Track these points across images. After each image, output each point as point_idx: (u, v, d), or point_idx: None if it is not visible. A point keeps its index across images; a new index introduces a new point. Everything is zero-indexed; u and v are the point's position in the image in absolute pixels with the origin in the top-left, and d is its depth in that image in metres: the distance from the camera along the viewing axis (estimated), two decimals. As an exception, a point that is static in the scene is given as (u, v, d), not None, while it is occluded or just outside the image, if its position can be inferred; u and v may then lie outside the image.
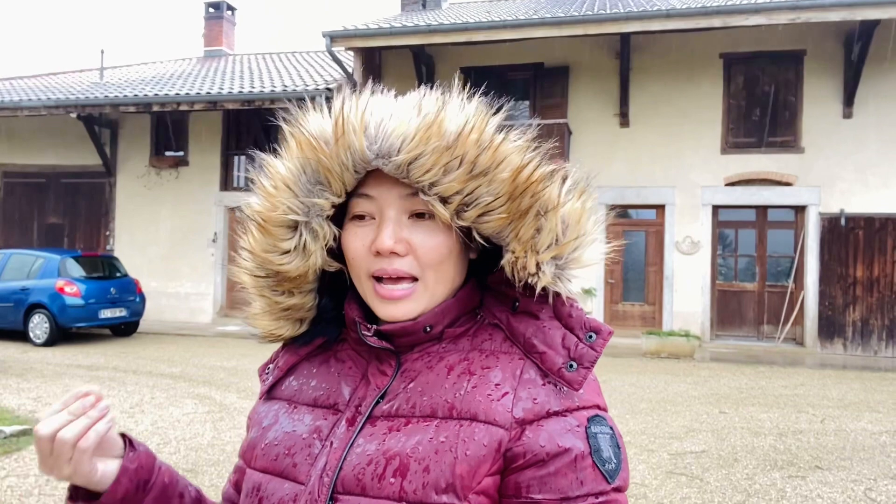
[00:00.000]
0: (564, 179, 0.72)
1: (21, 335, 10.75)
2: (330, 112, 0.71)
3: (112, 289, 11.18)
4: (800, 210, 11.79)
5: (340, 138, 0.69)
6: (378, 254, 0.70)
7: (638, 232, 12.58)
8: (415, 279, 0.72)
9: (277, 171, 0.74)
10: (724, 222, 12.25)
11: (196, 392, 7.13)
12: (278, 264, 0.75)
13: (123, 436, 0.77)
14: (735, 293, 12.19)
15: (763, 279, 12.10)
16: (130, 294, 11.56)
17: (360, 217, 0.73)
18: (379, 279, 0.72)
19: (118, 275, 11.70)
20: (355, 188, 0.72)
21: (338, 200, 0.73)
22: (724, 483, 4.48)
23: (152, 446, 5.07)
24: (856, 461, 5.03)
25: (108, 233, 15.10)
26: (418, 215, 0.71)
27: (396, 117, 0.69)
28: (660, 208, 12.32)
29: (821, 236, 11.55)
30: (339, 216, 0.75)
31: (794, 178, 11.67)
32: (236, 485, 0.85)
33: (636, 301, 12.51)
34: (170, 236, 14.55)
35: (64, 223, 15.46)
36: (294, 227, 0.73)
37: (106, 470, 0.72)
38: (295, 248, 0.74)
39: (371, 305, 0.74)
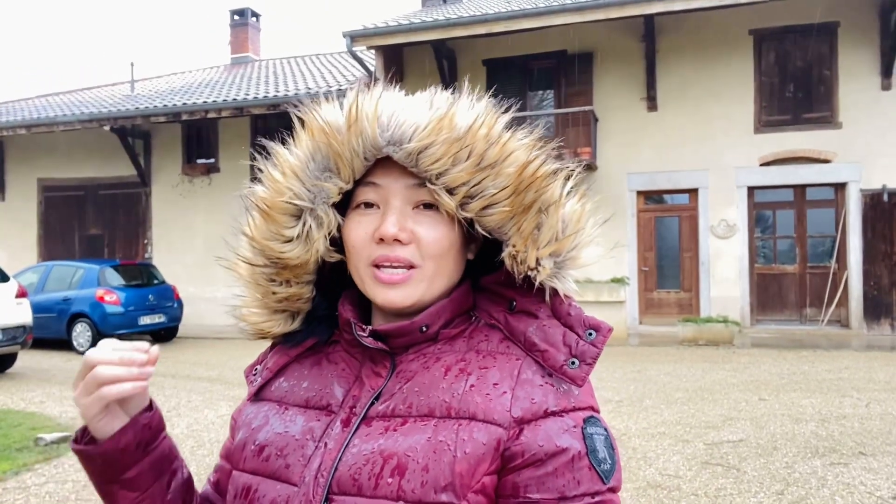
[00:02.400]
0: (567, 179, 0.73)
1: (65, 344, 11.08)
2: (342, 105, 0.73)
3: (150, 296, 11.44)
4: (840, 188, 11.39)
5: (353, 125, 0.70)
6: (381, 241, 0.71)
7: (671, 217, 12.33)
8: (413, 267, 0.72)
9: (286, 158, 0.75)
10: (760, 203, 11.91)
11: (231, 394, 7.23)
12: (280, 252, 0.74)
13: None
14: (775, 276, 11.85)
15: (804, 260, 11.74)
16: (168, 300, 11.81)
17: (365, 206, 0.73)
18: (378, 267, 0.72)
19: (156, 282, 11.96)
20: (362, 177, 0.73)
21: (346, 187, 0.73)
22: (761, 472, 4.34)
23: (186, 449, 5.16)
24: (903, 446, 4.83)
25: (146, 241, 15.46)
26: (423, 206, 0.72)
27: (409, 109, 0.71)
28: (692, 192, 12.05)
29: (863, 214, 11.14)
30: (343, 208, 0.75)
31: (833, 155, 11.28)
32: (216, 485, 0.84)
33: (672, 288, 12.26)
34: (205, 242, 14.79)
35: (103, 234, 15.87)
36: (298, 215, 0.74)
37: (114, 422, 0.72)
38: (298, 235, 0.74)
39: (369, 293, 0.73)
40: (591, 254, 0.74)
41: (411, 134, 0.69)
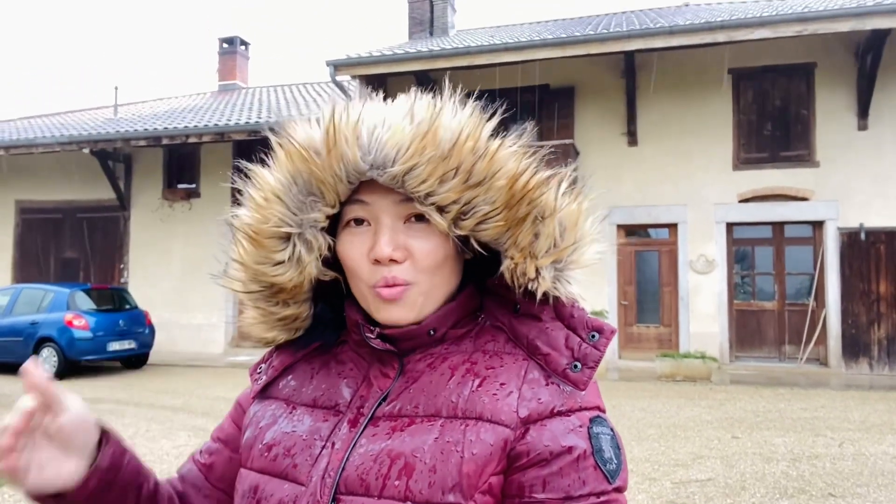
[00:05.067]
0: (561, 183, 0.71)
1: (31, 369, 10.77)
2: (319, 122, 0.70)
3: (121, 321, 11.20)
4: (817, 225, 11.44)
5: (333, 149, 0.68)
6: (376, 262, 0.70)
7: (651, 252, 12.31)
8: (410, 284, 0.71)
9: (267, 181, 0.72)
10: (739, 240, 11.92)
11: (193, 424, 7.01)
12: (272, 276, 0.73)
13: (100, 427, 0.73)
14: (754, 312, 11.81)
15: (782, 297, 11.71)
16: (139, 326, 11.58)
17: (355, 223, 0.72)
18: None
19: (127, 307, 11.73)
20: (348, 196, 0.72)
21: (332, 212, 0.71)
22: (727, 513, 4.21)
23: (136, 481, 4.95)
24: (873, 488, 4.71)
25: (122, 266, 15.23)
26: (414, 219, 0.71)
27: (389, 125, 0.68)
28: (672, 227, 12.05)
29: (840, 252, 11.17)
30: (332, 223, 0.74)
31: (811, 193, 11.35)
32: (209, 468, 0.83)
33: (651, 323, 12.18)
34: (182, 268, 14.61)
35: (80, 257, 15.63)
36: (287, 238, 0.72)
37: (64, 464, 0.68)
38: (289, 258, 0.72)
39: (370, 310, 0.73)
40: (592, 252, 0.73)
41: (394, 156, 0.66)
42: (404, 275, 0.70)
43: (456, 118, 0.68)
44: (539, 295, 0.70)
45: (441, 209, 0.68)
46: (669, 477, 4.99)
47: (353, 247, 0.71)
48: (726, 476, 5.02)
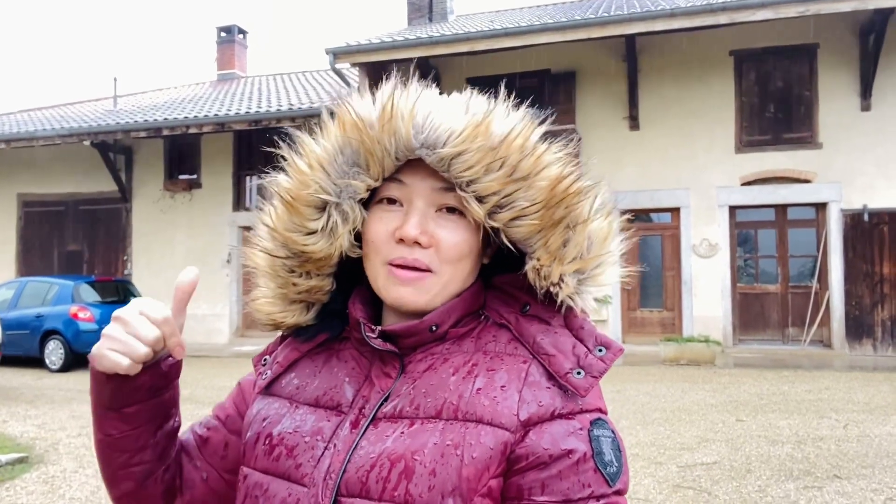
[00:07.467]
0: (597, 196, 0.73)
1: (38, 362, 10.85)
2: (374, 101, 0.72)
3: (126, 313, 11.23)
4: (820, 207, 11.41)
5: (387, 123, 0.69)
6: (400, 241, 0.70)
7: (654, 236, 12.29)
8: (430, 271, 0.72)
9: (312, 150, 0.73)
10: (742, 223, 11.91)
11: (200, 414, 6.98)
12: (302, 244, 0.73)
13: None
14: (757, 295, 11.82)
15: (786, 280, 11.71)
16: (144, 317, 11.60)
17: (388, 202, 0.73)
18: (394, 266, 0.72)
19: (132, 299, 11.75)
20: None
21: (374, 184, 0.72)
22: (733, 496, 4.24)
23: (146, 471, 4.99)
24: (878, 469, 4.74)
25: (125, 257, 15.26)
26: (446, 210, 0.72)
27: (445, 112, 0.70)
28: (675, 211, 12.03)
29: (844, 233, 11.16)
30: (366, 204, 0.74)
31: (813, 175, 11.31)
32: (205, 441, 0.85)
33: (655, 307, 12.19)
34: (185, 258, 14.63)
35: (83, 249, 15.66)
36: (322, 207, 0.73)
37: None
38: (322, 228, 0.73)
39: (381, 290, 0.73)
40: (613, 273, 0.74)
41: (446, 139, 0.68)
42: (426, 259, 0.71)
43: (508, 118, 0.71)
44: (559, 300, 0.70)
45: (479, 199, 0.69)
46: (675, 461, 5.03)
47: (381, 223, 0.72)
48: (731, 459, 5.05)
